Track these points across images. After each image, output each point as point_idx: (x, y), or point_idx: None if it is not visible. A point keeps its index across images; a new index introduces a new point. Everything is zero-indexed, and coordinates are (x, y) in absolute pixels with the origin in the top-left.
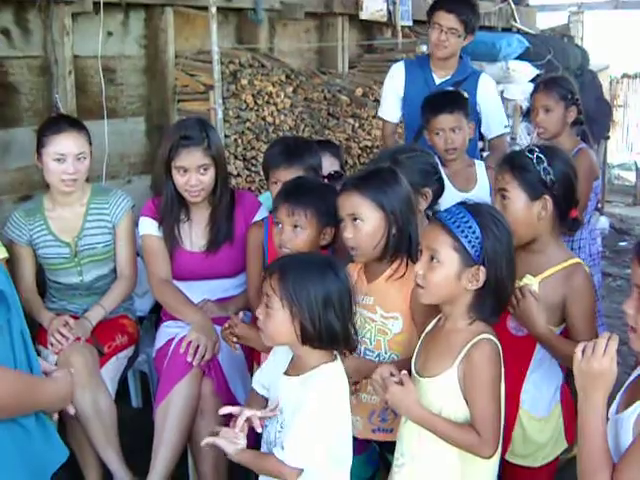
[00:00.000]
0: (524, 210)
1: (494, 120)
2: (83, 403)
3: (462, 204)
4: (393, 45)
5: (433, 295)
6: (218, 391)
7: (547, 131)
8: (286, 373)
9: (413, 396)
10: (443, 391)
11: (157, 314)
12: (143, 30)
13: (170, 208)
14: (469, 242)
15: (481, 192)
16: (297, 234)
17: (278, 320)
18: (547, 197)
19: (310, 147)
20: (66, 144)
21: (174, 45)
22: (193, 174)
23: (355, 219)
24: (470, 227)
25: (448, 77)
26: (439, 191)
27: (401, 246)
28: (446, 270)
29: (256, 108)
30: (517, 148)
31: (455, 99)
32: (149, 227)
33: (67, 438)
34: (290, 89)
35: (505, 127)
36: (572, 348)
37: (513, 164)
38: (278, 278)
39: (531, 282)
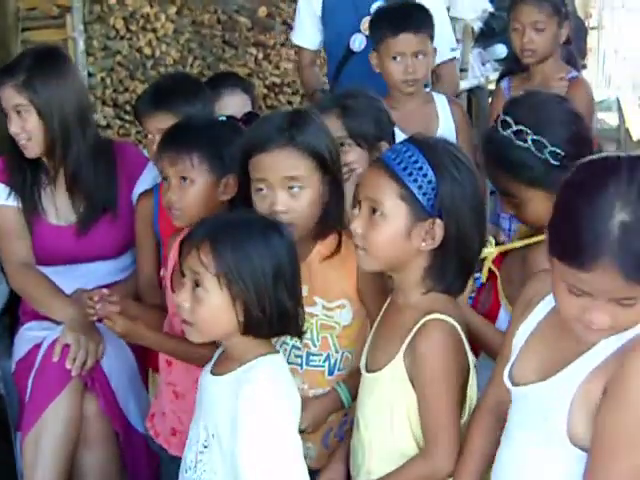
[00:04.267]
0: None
1: (440, 40)
2: None
3: (411, 140)
4: None
5: (377, 259)
6: (105, 410)
7: (536, 54)
8: (213, 372)
9: None
10: (390, 387)
11: (11, 315)
12: None
13: (18, 166)
14: (420, 188)
15: (445, 134)
16: (186, 188)
17: (214, 305)
18: None
19: (188, 89)
20: None
21: None
22: (12, 117)
23: (292, 186)
24: (421, 169)
25: None
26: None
27: (336, 216)
28: (392, 226)
29: (129, 36)
30: (469, 82)
31: (419, 15)
32: (0, 195)
33: None
34: (173, 10)
35: (452, 50)
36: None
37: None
38: (210, 249)
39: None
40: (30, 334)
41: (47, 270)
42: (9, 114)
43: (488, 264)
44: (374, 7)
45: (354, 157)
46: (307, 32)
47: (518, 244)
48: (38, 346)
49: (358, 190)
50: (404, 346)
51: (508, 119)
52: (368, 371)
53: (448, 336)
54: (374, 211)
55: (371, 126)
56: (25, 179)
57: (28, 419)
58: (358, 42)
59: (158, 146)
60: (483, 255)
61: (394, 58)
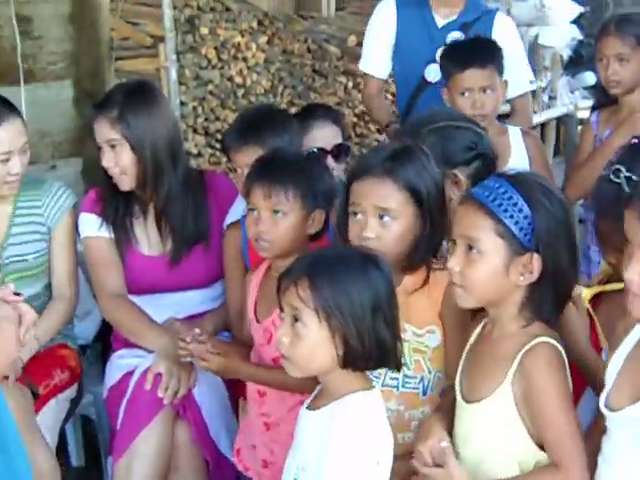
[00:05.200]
0: None
1: (516, 74)
2: None
3: (501, 176)
4: None
5: (476, 296)
6: (197, 438)
7: (621, 85)
8: (309, 407)
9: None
10: (495, 417)
11: (103, 342)
12: None
13: (111, 197)
14: (516, 224)
15: (517, 166)
16: (278, 221)
17: (313, 339)
18: None
19: (276, 122)
20: (10, 138)
21: None
22: (106, 151)
23: (383, 215)
24: (515, 204)
25: (454, 17)
26: (485, 172)
27: (430, 250)
28: (490, 262)
29: (220, 65)
30: (558, 110)
31: (486, 49)
32: (93, 226)
33: None
34: (264, 39)
35: (530, 82)
36: None
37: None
38: (308, 284)
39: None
40: (122, 362)
41: (139, 299)
42: (102, 148)
43: (585, 304)
44: (450, 38)
45: None
46: (377, 60)
47: (614, 287)
48: (130, 374)
49: (452, 228)
50: (511, 372)
51: (635, 178)
52: (467, 402)
53: (557, 357)
54: (470, 248)
55: (455, 152)
56: (118, 210)
57: (119, 445)
58: (433, 72)
59: (248, 177)
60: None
61: (462, 93)
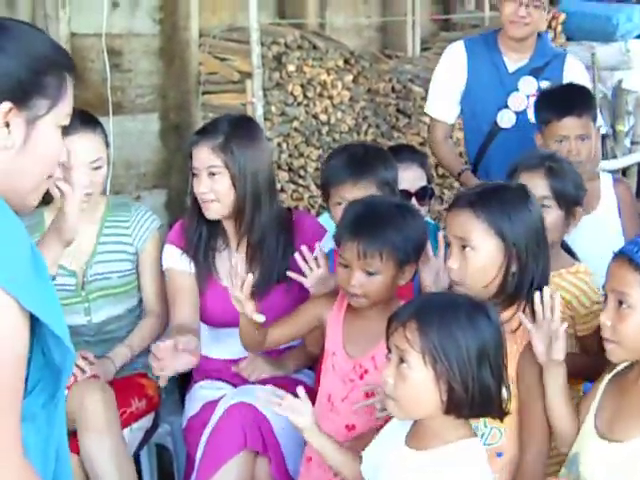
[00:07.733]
0: None
1: None
2: (100, 453)
3: None
4: (478, 20)
5: (628, 350)
6: (276, 475)
7: None
8: (408, 444)
9: None
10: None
11: (182, 373)
12: (158, 0)
13: (195, 229)
14: None
15: (605, 212)
16: (370, 279)
17: (417, 382)
18: None
19: (384, 156)
20: (79, 148)
21: (198, 20)
22: (203, 177)
23: (464, 246)
24: None
25: (525, 62)
26: None
27: (521, 289)
28: None
29: (306, 102)
30: None
31: (582, 98)
32: (175, 259)
33: None
34: (349, 78)
35: (599, 128)
36: None
37: None
38: (417, 327)
39: None
40: (203, 392)
41: (220, 332)
42: (200, 174)
43: None
44: (521, 83)
45: (553, 217)
46: (446, 105)
47: None
48: (210, 403)
49: (606, 283)
50: None
51: None
52: (606, 439)
53: None
54: (621, 303)
55: (571, 189)
56: (200, 243)
57: (199, 477)
58: (507, 118)
59: (342, 227)
60: None
61: (559, 141)
